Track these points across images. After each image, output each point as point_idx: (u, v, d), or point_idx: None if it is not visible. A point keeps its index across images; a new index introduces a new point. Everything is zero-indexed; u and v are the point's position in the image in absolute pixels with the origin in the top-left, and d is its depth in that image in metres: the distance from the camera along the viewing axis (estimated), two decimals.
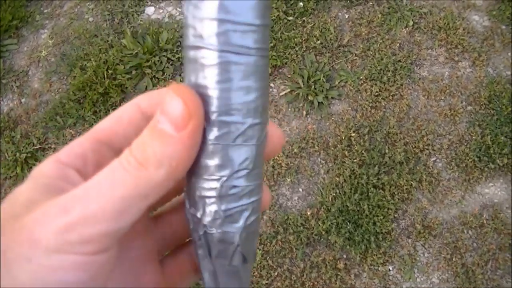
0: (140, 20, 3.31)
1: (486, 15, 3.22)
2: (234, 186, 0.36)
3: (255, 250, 0.41)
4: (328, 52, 3.07)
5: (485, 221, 2.61)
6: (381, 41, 3.10)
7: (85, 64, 3.11)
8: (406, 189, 2.66)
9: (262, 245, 2.57)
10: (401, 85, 2.95)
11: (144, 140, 0.33)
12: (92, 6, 3.42)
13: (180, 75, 3.08)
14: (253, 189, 0.38)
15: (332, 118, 2.87)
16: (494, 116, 2.85)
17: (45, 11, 3.45)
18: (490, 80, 2.96)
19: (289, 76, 3.00)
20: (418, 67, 3.03)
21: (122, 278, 0.39)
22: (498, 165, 2.72)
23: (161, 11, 3.35)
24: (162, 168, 0.32)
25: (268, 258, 2.55)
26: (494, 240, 2.57)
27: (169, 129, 0.32)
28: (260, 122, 0.36)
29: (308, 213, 2.63)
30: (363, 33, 3.13)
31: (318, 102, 2.88)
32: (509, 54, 3.08)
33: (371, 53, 3.06)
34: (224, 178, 0.36)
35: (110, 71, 3.04)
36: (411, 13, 3.20)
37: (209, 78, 0.34)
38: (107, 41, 3.22)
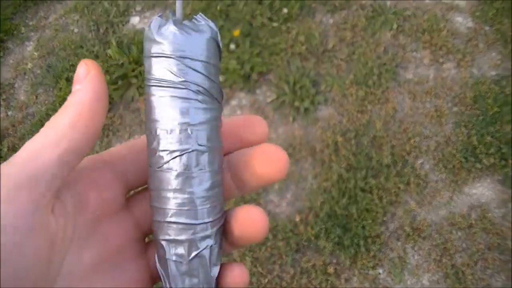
0: (126, 30, 3.31)
1: (470, 16, 3.24)
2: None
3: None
4: (314, 58, 3.08)
5: (473, 222, 2.62)
6: (365, 45, 3.11)
7: (71, 76, 3.10)
8: (394, 192, 2.67)
9: (252, 253, 2.57)
10: (387, 88, 2.96)
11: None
12: (77, 17, 3.42)
13: None
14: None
15: (319, 124, 2.87)
16: (480, 116, 2.87)
17: (30, 23, 3.45)
18: (475, 81, 2.98)
19: (275, 82, 3.01)
20: (403, 70, 3.05)
21: (105, 267, 0.40)
22: (485, 165, 2.73)
23: (146, 20, 3.36)
24: (67, 115, 0.36)
25: (257, 265, 2.55)
26: (483, 240, 2.58)
27: (76, 86, 0.37)
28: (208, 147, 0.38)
29: (297, 219, 2.63)
30: (348, 38, 3.14)
31: (305, 108, 2.89)
32: (493, 54, 3.09)
33: (356, 57, 3.07)
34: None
35: None
36: (395, 16, 3.21)
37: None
38: (93, 51, 3.22)
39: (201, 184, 0.38)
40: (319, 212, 2.63)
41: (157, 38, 0.36)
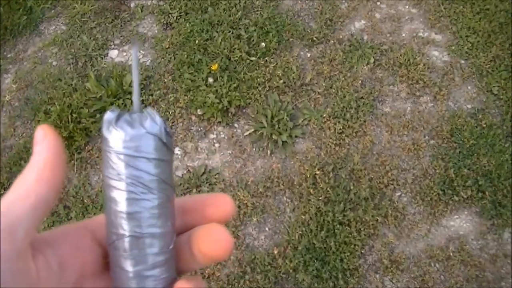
0: (104, 63, 3.32)
1: (445, 50, 3.29)
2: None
3: None
4: (291, 91, 3.10)
5: (451, 254, 2.62)
6: (343, 78, 3.14)
7: (49, 108, 3.09)
8: (372, 224, 2.67)
9: (230, 286, 2.55)
10: (364, 121, 2.98)
11: None
12: (55, 50, 3.42)
13: None
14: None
15: (297, 157, 2.88)
16: (457, 149, 2.89)
17: (9, 55, 3.44)
18: (452, 114, 3.01)
19: (252, 116, 3.02)
20: (381, 103, 3.07)
21: None
22: (462, 198, 2.74)
23: (124, 54, 3.37)
24: (32, 172, 0.40)
25: None
26: (461, 272, 2.58)
27: (36, 147, 0.41)
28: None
29: (275, 252, 2.62)
30: (325, 71, 3.17)
31: (282, 141, 2.90)
32: (469, 88, 3.13)
33: (333, 91, 3.09)
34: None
35: (74, 115, 3.02)
36: (372, 50, 3.25)
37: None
38: (71, 84, 3.21)
39: (139, 265, 0.41)
40: (297, 245, 2.62)
41: (105, 134, 0.40)
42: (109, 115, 0.40)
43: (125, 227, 0.40)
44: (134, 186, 0.40)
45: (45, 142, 0.41)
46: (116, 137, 0.39)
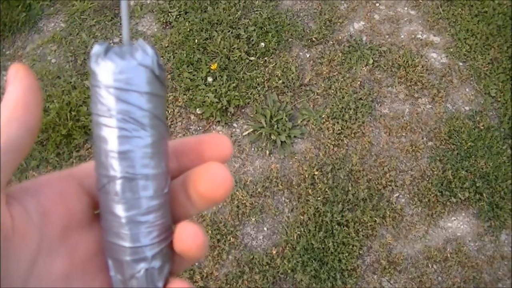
0: None
1: (444, 52, 3.30)
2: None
3: None
4: (290, 92, 3.10)
5: (449, 255, 2.63)
6: (342, 79, 3.15)
7: (48, 106, 3.08)
8: (370, 225, 2.68)
9: (228, 285, 2.55)
10: (363, 122, 2.99)
11: None
12: (54, 47, 3.41)
13: None
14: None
15: (295, 157, 2.89)
16: (455, 151, 2.90)
17: (7, 52, 3.43)
18: (450, 116, 3.02)
19: (251, 116, 3.02)
20: (379, 105, 3.08)
21: (75, 277, 0.40)
22: (460, 199, 2.76)
23: None
24: (3, 110, 0.37)
25: None
26: (459, 273, 2.59)
27: (8, 87, 0.38)
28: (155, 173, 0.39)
29: (274, 252, 2.63)
30: (324, 72, 3.17)
31: (281, 141, 2.90)
32: (467, 90, 3.15)
33: (332, 91, 3.10)
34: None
35: (73, 113, 3.02)
36: (371, 52, 3.26)
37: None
38: (70, 82, 3.21)
39: (132, 209, 0.38)
40: (295, 245, 2.62)
41: (92, 67, 0.37)
42: (97, 48, 0.37)
43: (116, 168, 0.38)
44: (126, 123, 0.37)
45: (16, 80, 0.38)
46: (105, 69, 0.36)
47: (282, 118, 2.96)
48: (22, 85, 0.38)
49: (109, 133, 0.37)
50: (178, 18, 3.47)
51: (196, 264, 2.58)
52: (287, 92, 3.11)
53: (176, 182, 0.43)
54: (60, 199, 0.40)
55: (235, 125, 3.02)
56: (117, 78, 0.36)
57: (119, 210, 0.38)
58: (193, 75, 3.16)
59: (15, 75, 0.38)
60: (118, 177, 0.38)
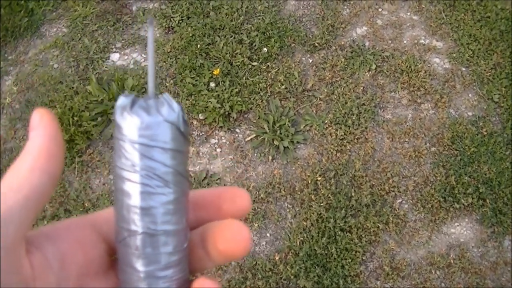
0: (105, 67, 3.31)
1: (447, 57, 3.30)
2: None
3: None
4: (293, 97, 3.10)
5: (452, 261, 2.63)
6: (345, 84, 3.14)
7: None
8: (373, 231, 2.68)
9: None
10: (366, 128, 2.99)
11: None
12: (57, 52, 3.41)
13: None
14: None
15: (298, 163, 2.88)
16: (458, 156, 2.90)
17: (9, 57, 3.43)
18: (453, 121, 3.02)
19: (254, 121, 3.02)
20: (382, 110, 3.08)
21: None
22: (463, 205, 2.75)
23: (126, 57, 3.36)
24: (25, 160, 0.38)
25: None
26: (462, 280, 2.59)
27: (32, 133, 0.39)
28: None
29: (276, 257, 2.62)
30: (327, 77, 3.17)
31: (284, 147, 2.90)
32: (470, 95, 3.14)
33: (335, 97, 3.10)
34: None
35: (75, 118, 3.02)
36: (374, 57, 3.26)
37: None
38: (72, 87, 3.20)
39: (152, 265, 0.39)
40: (298, 251, 2.62)
41: (118, 120, 0.37)
42: (123, 100, 0.37)
43: (138, 223, 0.38)
44: (149, 179, 0.37)
45: (40, 127, 0.39)
46: (131, 124, 0.36)
47: (284, 124, 2.96)
48: (46, 133, 0.38)
49: (132, 188, 0.37)
50: (180, 23, 3.47)
51: None
52: (290, 97, 3.11)
53: (193, 234, 0.43)
54: (79, 246, 0.41)
55: (237, 130, 3.02)
56: (142, 134, 0.36)
57: (139, 264, 0.39)
58: (196, 81, 3.16)
59: (39, 121, 0.39)
60: (140, 232, 0.38)
